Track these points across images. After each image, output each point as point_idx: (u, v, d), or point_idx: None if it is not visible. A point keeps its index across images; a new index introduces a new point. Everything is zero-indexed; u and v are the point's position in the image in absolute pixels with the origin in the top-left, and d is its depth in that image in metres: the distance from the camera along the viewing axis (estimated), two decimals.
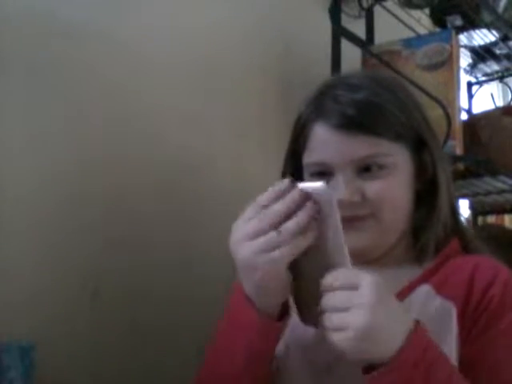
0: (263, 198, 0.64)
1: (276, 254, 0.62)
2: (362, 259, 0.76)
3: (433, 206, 0.80)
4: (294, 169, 0.84)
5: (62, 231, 0.96)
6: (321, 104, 0.80)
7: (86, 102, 1.01)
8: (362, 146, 0.76)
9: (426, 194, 0.81)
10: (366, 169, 0.77)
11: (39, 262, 0.92)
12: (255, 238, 0.63)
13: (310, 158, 0.81)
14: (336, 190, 0.76)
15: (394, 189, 0.77)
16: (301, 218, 0.62)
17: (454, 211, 0.84)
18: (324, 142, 0.79)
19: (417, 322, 0.62)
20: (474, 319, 0.72)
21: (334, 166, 0.77)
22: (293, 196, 0.63)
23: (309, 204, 0.62)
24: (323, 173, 0.79)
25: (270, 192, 0.64)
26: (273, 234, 0.62)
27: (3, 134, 0.90)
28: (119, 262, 1.03)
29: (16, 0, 0.93)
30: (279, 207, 0.63)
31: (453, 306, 0.72)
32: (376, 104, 0.78)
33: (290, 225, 0.62)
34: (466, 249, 0.83)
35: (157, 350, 1.06)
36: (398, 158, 0.78)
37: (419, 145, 0.81)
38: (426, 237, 0.79)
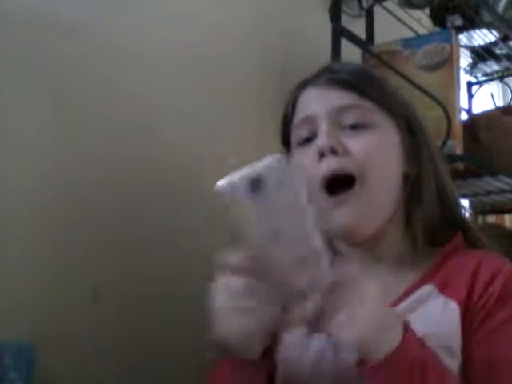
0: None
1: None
2: (351, 239, 0.76)
3: (420, 188, 0.80)
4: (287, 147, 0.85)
5: (61, 231, 0.96)
6: (311, 75, 0.83)
7: (86, 102, 1.01)
8: (346, 97, 0.77)
9: (415, 181, 0.80)
10: (351, 127, 0.77)
11: (39, 262, 0.92)
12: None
13: (295, 120, 0.81)
14: (317, 140, 0.76)
15: (379, 147, 0.77)
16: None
17: (452, 201, 0.83)
18: (309, 98, 0.80)
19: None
20: (475, 315, 0.72)
21: (318, 117, 0.77)
22: None
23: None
24: (310, 136, 0.78)
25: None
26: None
27: (3, 133, 0.90)
28: (119, 262, 1.03)
29: (16, 0, 0.93)
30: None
31: (456, 304, 0.72)
32: (367, 71, 0.82)
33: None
34: (472, 244, 0.82)
35: (157, 350, 1.06)
36: (384, 121, 0.79)
37: (408, 129, 0.81)
38: (413, 222, 0.79)
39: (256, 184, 0.53)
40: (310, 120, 0.78)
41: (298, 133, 0.80)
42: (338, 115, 0.77)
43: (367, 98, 0.78)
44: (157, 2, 1.14)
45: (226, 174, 0.55)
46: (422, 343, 0.62)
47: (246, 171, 0.55)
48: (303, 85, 0.83)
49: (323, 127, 0.76)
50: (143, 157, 1.09)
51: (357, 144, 0.75)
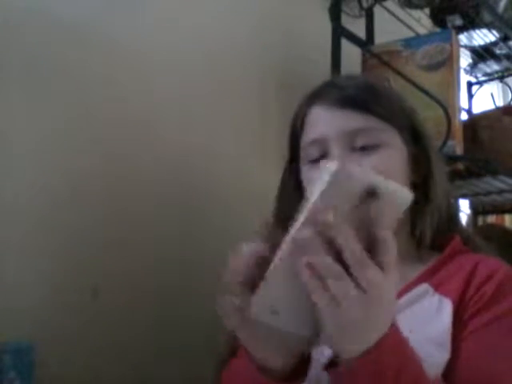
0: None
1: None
2: None
3: (427, 196, 0.81)
4: (294, 162, 0.85)
5: (61, 231, 0.96)
6: (318, 90, 0.84)
7: (86, 102, 1.01)
8: (355, 119, 0.79)
9: (422, 189, 0.82)
10: (361, 148, 0.78)
11: (39, 262, 0.92)
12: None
13: (305, 139, 0.82)
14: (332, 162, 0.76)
15: (390, 163, 0.79)
16: None
17: (452, 207, 0.85)
18: (319, 119, 0.82)
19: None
20: (466, 311, 0.72)
21: (329, 139, 0.79)
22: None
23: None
24: (321, 156, 0.80)
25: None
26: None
27: (3, 133, 0.90)
28: (119, 261, 1.03)
29: (16, 0, 0.93)
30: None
31: (449, 302, 0.73)
32: (372, 86, 0.83)
33: None
34: (466, 245, 0.84)
35: (157, 349, 1.06)
36: (392, 138, 0.80)
37: (413, 138, 0.83)
38: (422, 225, 0.80)
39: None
40: (320, 142, 0.80)
41: (309, 153, 0.82)
42: (349, 138, 0.79)
43: (375, 116, 0.80)
44: (157, 1, 1.14)
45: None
46: (402, 346, 0.58)
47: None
48: (311, 101, 0.84)
49: (335, 151, 0.78)
50: (143, 157, 1.09)
51: (368, 161, 0.77)
